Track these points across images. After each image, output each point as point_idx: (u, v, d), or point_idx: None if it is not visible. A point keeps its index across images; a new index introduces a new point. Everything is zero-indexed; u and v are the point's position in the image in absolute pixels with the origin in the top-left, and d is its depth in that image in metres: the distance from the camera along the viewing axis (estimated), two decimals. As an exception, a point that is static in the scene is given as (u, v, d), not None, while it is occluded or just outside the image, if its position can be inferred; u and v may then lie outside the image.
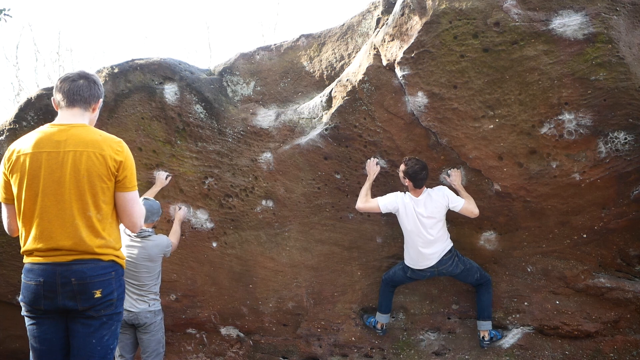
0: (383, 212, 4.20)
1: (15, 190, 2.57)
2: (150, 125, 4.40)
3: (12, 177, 2.57)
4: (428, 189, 4.14)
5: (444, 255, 4.19)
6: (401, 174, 4.07)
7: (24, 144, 2.58)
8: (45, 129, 2.60)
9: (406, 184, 4.08)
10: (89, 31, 23.18)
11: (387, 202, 4.14)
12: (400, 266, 4.40)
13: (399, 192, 4.18)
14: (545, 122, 3.72)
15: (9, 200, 2.62)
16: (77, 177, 2.51)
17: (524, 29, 3.48)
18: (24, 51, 22.40)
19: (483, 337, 4.40)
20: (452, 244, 4.26)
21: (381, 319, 4.55)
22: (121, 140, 2.65)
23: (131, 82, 4.37)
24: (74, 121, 2.61)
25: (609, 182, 3.91)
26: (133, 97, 4.36)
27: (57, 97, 2.65)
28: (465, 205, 4.04)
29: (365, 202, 4.17)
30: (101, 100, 2.73)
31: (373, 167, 4.22)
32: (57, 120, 2.63)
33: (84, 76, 2.65)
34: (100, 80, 2.77)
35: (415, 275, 4.32)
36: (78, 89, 2.61)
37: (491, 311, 4.39)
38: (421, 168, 3.99)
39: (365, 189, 4.20)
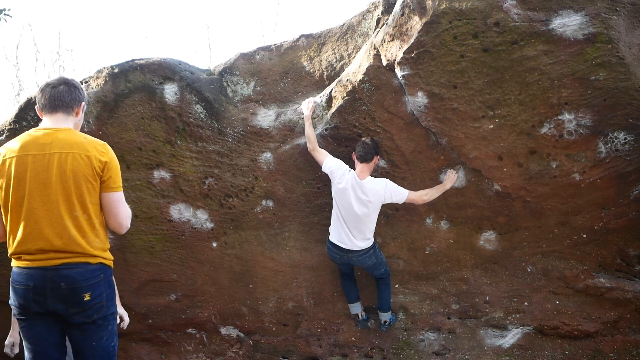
0: (322, 170, 4.20)
1: (2, 194, 2.59)
2: (150, 125, 4.40)
3: None
4: (372, 177, 4.11)
5: (363, 249, 4.20)
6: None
7: (10, 148, 2.61)
8: (30, 133, 2.64)
9: (353, 158, 4.09)
10: (89, 31, 23.21)
11: (332, 167, 4.12)
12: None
13: (347, 166, 4.14)
14: (545, 122, 3.72)
15: None
16: (63, 178, 2.55)
17: (524, 29, 3.48)
18: (24, 51, 22.42)
19: (384, 322, 4.58)
20: (373, 241, 4.28)
21: (352, 309, 4.61)
22: (105, 143, 2.71)
23: (131, 82, 4.37)
24: (59, 125, 2.65)
25: (609, 182, 3.91)
26: (133, 97, 4.36)
27: (40, 104, 2.71)
28: (410, 195, 4.05)
29: (314, 149, 4.18)
30: (84, 103, 2.78)
31: (307, 104, 4.27)
32: (41, 125, 2.68)
33: (63, 82, 2.71)
34: (82, 85, 2.86)
35: (330, 256, 4.34)
36: (59, 95, 2.67)
37: (390, 303, 4.55)
38: (365, 142, 3.99)
39: (311, 132, 4.18)
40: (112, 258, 2.77)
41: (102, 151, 2.64)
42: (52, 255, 2.54)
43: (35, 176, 2.55)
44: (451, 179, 4.09)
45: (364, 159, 4.02)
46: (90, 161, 2.57)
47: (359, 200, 4.06)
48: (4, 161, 2.59)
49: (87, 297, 2.57)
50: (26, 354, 2.68)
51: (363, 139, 4.07)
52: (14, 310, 2.64)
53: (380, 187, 4.05)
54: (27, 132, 2.67)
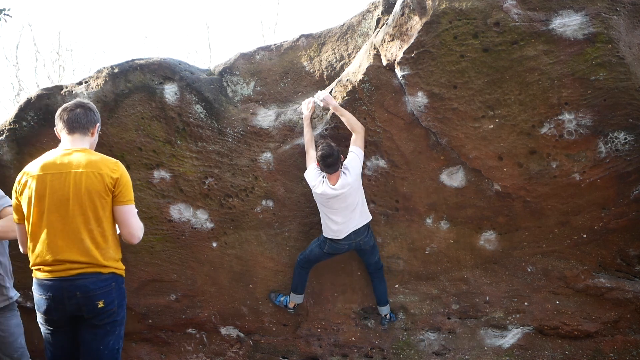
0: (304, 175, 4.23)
1: (24, 210, 2.87)
2: (150, 125, 4.40)
3: (22, 198, 2.87)
4: (340, 171, 4.09)
5: (362, 226, 4.22)
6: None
7: (32, 168, 2.89)
8: (50, 154, 2.92)
9: (317, 166, 4.10)
10: (89, 31, 23.20)
11: (309, 178, 4.16)
12: (316, 243, 4.39)
13: (322, 174, 4.12)
14: (545, 122, 3.72)
15: (22, 220, 2.93)
16: (78, 195, 2.79)
17: (524, 29, 3.48)
18: (24, 51, 22.41)
19: (385, 316, 4.60)
20: (370, 218, 4.28)
21: (296, 299, 4.61)
22: (118, 161, 2.96)
23: (131, 82, 4.37)
24: (75, 146, 2.93)
25: (609, 182, 3.91)
26: (133, 97, 4.36)
27: (59, 126, 2.99)
28: (357, 150, 4.03)
29: (307, 150, 4.22)
30: (98, 124, 3.07)
31: (307, 104, 4.27)
32: (60, 146, 2.96)
33: (80, 105, 3.00)
34: (96, 107, 3.11)
35: (332, 249, 4.31)
36: (76, 117, 2.95)
37: (387, 295, 4.56)
38: (327, 155, 3.97)
39: (308, 132, 4.21)
40: (124, 267, 3.00)
41: (114, 169, 2.88)
42: (68, 266, 2.78)
43: (53, 193, 2.79)
44: (326, 98, 4.08)
45: (334, 171, 4.03)
46: (102, 178, 2.81)
47: (340, 199, 4.08)
48: (26, 180, 2.85)
49: (101, 304, 2.81)
50: (46, 352, 2.94)
51: (322, 152, 3.99)
52: (38, 318, 2.89)
53: (349, 180, 4.03)
54: (48, 152, 2.94)
